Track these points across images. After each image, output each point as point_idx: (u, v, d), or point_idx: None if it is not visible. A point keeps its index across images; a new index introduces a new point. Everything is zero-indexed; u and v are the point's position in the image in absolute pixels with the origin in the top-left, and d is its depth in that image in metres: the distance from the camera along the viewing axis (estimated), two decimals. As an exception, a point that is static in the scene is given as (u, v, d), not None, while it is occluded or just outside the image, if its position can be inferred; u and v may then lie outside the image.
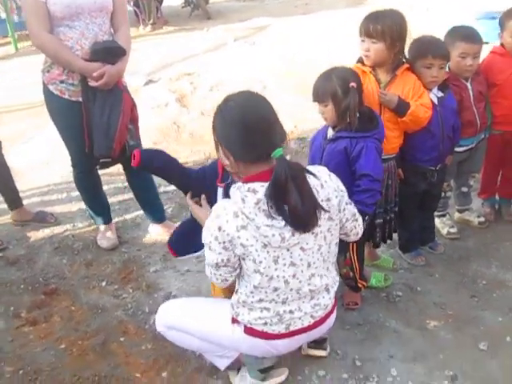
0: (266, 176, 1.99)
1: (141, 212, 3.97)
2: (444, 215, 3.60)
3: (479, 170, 3.62)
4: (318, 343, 2.56)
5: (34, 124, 5.91)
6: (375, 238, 2.96)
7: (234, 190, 2.03)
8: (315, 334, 2.34)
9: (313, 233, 2.08)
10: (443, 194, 3.46)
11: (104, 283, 3.28)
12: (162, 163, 2.49)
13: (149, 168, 2.55)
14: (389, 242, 3.31)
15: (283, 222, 1.99)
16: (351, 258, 2.85)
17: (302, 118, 5.40)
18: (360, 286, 2.92)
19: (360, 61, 2.87)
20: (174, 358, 2.68)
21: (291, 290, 2.15)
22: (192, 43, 8.85)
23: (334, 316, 2.38)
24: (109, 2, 3.14)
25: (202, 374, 2.57)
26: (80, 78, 3.10)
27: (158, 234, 3.71)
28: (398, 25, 2.69)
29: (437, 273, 3.22)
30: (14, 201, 3.92)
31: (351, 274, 2.86)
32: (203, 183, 2.52)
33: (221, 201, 2.13)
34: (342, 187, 2.19)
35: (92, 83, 3.06)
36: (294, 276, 2.12)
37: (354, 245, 2.80)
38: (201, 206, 2.45)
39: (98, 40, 3.11)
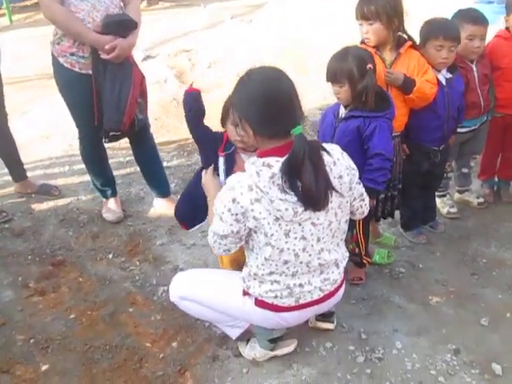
0: (282, 151, 2.03)
1: (144, 186, 4.00)
2: (444, 195, 3.67)
3: (480, 151, 3.68)
4: (325, 316, 2.63)
5: (29, 97, 5.87)
6: (376, 212, 3.01)
7: (248, 165, 2.07)
8: (324, 307, 2.41)
9: (324, 209, 2.13)
10: (445, 175, 3.52)
11: (111, 255, 3.32)
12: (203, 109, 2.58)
13: (194, 107, 2.57)
14: (390, 220, 3.40)
15: (295, 198, 2.03)
16: (358, 235, 2.91)
17: (301, 97, 5.41)
18: (365, 262, 2.99)
19: (363, 42, 2.91)
20: (183, 328, 2.74)
21: (301, 263, 2.20)
22: (189, 20, 8.79)
23: (342, 290, 2.44)
24: None
25: (212, 344, 2.64)
26: (91, 51, 3.10)
27: (162, 208, 3.74)
28: (392, 2, 2.73)
29: (438, 251, 3.30)
30: (19, 173, 3.93)
31: (357, 250, 2.93)
32: (210, 147, 2.58)
33: (235, 174, 2.16)
34: (354, 166, 2.24)
35: (103, 56, 3.06)
36: (303, 250, 2.18)
37: (361, 222, 2.86)
38: None
39: (109, 13, 3.10)
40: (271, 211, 2.04)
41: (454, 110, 3.10)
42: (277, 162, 2.01)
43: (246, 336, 2.57)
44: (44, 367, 2.56)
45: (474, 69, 3.23)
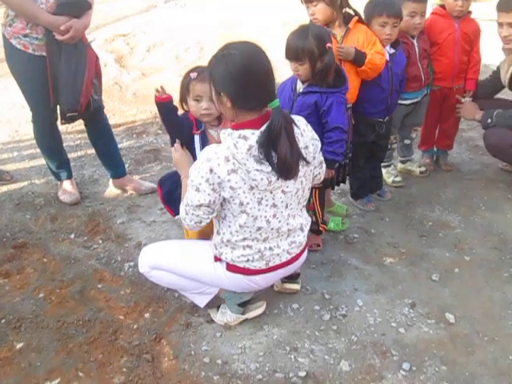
0: (256, 124, 2.14)
1: (97, 168, 4.05)
2: (389, 165, 3.90)
3: (421, 123, 3.93)
4: (292, 278, 2.78)
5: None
6: (332, 180, 3.18)
7: (224, 136, 2.15)
8: (291, 269, 2.56)
9: (295, 177, 2.27)
10: (389, 146, 3.74)
11: (72, 235, 3.34)
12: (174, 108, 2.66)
13: (167, 109, 2.65)
14: (340, 190, 3.59)
15: (270, 168, 2.15)
16: (314, 204, 3.08)
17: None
18: (321, 229, 3.15)
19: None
20: (154, 300, 2.83)
21: (272, 229, 2.34)
22: (120, 4, 8.71)
23: (306, 253, 2.61)
24: None
25: (184, 313, 2.74)
26: (45, 32, 3.10)
27: (119, 188, 3.79)
28: None
29: (387, 217, 3.51)
30: (-32, 159, 3.88)
31: (314, 218, 3.08)
32: (181, 131, 2.66)
33: (210, 146, 2.24)
34: (316, 136, 2.38)
35: (58, 37, 3.07)
36: (274, 216, 2.31)
37: (317, 191, 3.04)
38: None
39: None
40: (247, 181, 2.16)
41: (396, 84, 3.30)
42: (252, 135, 2.11)
43: (215, 304, 2.69)
44: (19, 345, 2.58)
45: (415, 44, 3.45)
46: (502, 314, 2.69)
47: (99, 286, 2.95)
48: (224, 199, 2.24)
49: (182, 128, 2.66)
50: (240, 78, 2.11)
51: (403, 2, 3.29)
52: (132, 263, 3.09)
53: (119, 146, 4.36)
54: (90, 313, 2.76)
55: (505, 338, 2.54)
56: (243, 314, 2.65)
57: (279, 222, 2.34)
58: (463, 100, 3.72)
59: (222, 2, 8.98)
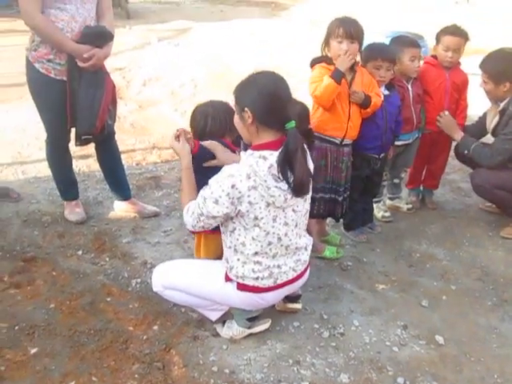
0: (274, 145, 2.40)
1: (101, 191, 4.22)
2: (379, 201, 4.14)
3: (411, 164, 4.20)
4: (294, 298, 2.96)
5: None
6: (337, 213, 3.42)
7: (246, 156, 2.40)
8: (296, 286, 2.76)
9: (303, 197, 2.51)
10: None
11: (80, 252, 3.49)
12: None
13: (203, 157, 2.77)
14: (333, 222, 3.81)
15: (286, 186, 2.39)
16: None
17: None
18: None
19: (323, 60, 3.31)
20: (161, 314, 2.97)
21: (281, 245, 2.55)
22: (117, 40, 8.93)
23: (308, 271, 2.81)
24: None
25: (191, 326, 2.89)
26: (67, 59, 3.31)
27: (123, 210, 3.96)
28: (361, 27, 3.19)
29: (378, 248, 3.74)
30: (-25, 178, 4.01)
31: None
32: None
33: (232, 164, 2.47)
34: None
35: (80, 64, 3.28)
36: (285, 234, 2.54)
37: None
38: None
39: (87, 24, 3.34)
40: (265, 197, 2.38)
41: (391, 122, 3.57)
42: (271, 156, 2.36)
43: (224, 318, 2.85)
44: (33, 350, 2.69)
45: (410, 88, 3.76)
46: (487, 337, 2.91)
47: (108, 299, 3.09)
48: (239, 212, 2.44)
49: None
50: (266, 96, 2.38)
51: (403, 48, 3.62)
52: (139, 280, 3.24)
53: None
54: (101, 323, 2.89)
55: (490, 358, 2.75)
56: (249, 328, 2.81)
57: (289, 240, 2.56)
58: (445, 113, 3.95)
59: (212, 41, 9.37)
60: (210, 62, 7.92)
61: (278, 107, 2.39)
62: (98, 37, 3.36)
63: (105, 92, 3.41)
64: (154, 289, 2.83)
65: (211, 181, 2.45)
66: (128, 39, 8.96)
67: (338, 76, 3.10)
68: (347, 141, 3.32)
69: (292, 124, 2.37)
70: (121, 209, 3.98)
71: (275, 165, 2.35)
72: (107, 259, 3.44)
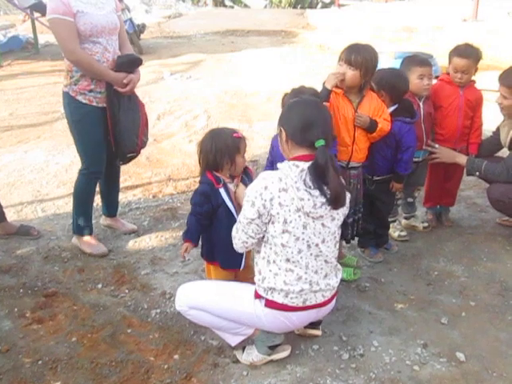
0: (306, 158, 2.58)
1: (118, 225, 4.28)
2: (394, 221, 4.15)
3: (423, 183, 4.21)
4: (314, 324, 2.97)
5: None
6: (347, 234, 3.44)
7: (281, 164, 2.60)
8: (323, 311, 2.79)
9: (332, 216, 2.60)
10: (395, 203, 4.00)
11: (100, 285, 3.54)
12: None
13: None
14: (349, 245, 3.82)
15: (318, 192, 2.51)
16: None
17: (250, 144, 5.86)
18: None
19: None
20: (181, 343, 3.00)
21: (311, 254, 2.61)
22: (130, 75, 9.16)
23: (335, 299, 2.83)
24: (118, 23, 3.66)
25: (211, 354, 2.92)
26: (106, 86, 3.57)
27: (106, 224, 4.28)
28: (375, 58, 3.22)
29: (395, 267, 3.74)
30: (-1, 215, 4.10)
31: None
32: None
33: (267, 171, 2.73)
34: None
35: (120, 90, 3.57)
36: (316, 244, 2.61)
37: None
38: None
39: (116, 53, 3.65)
40: (295, 201, 2.51)
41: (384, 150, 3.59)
42: (303, 164, 2.54)
43: (243, 344, 2.87)
44: (56, 384, 2.76)
45: (421, 106, 3.79)
46: (509, 352, 2.89)
47: (128, 330, 3.13)
48: (271, 218, 2.54)
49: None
50: (299, 117, 2.63)
51: (410, 67, 3.68)
52: (158, 310, 3.27)
53: (137, 205, 4.67)
54: (122, 355, 2.93)
55: (512, 373, 2.74)
56: (270, 355, 2.83)
57: (320, 251, 2.62)
58: (436, 146, 3.97)
59: (223, 72, 9.55)
60: (221, 92, 8.06)
61: (306, 128, 2.58)
62: (131, 64, 3.65)
63: (140, 113, 3.76)
64: (178, 308, 2.86)
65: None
66: (141, 74, 9.12)
67: (324, 93, 3.19)
68: (354, 163, 3.35)
69: (321, 142, 2.53)
70: (106, 224, 4.30)
71: (306, 170, 2.51)
72: (127, 291, 3.49)
